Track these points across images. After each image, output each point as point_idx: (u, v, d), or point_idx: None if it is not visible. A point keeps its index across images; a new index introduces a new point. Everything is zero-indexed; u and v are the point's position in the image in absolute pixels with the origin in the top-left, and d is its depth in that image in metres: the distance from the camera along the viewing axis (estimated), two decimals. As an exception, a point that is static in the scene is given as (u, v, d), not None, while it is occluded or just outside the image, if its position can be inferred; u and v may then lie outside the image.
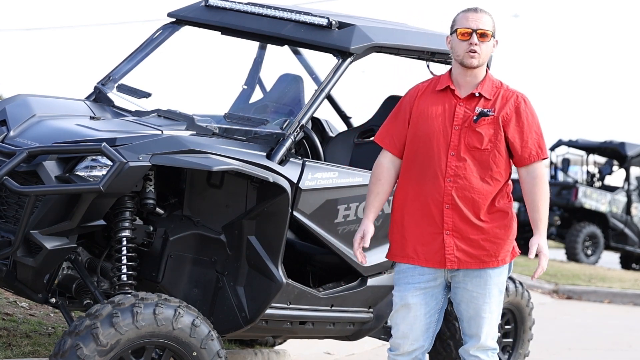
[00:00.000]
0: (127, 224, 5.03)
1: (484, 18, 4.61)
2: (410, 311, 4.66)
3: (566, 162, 20.52)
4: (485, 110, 4.60)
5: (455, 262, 4.59)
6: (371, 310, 5.87)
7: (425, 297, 4.65)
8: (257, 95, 6.56)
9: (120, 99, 5.92)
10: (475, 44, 4.56)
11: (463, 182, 4.57)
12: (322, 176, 5.43)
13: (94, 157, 4.83)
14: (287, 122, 5.40)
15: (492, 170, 4.60)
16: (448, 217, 4.57)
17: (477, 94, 4.63)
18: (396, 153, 4.71)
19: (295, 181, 5.31)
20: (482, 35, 4.58)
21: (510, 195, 4.72)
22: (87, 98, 5.93)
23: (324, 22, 5.60)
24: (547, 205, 4.65)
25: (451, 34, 4.66)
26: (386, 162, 4.72)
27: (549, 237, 18.77)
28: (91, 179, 4.78)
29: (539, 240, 4.62)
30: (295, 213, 5.36)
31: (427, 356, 4.90)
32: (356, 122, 7.03)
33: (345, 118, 7.18)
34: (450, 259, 4.59)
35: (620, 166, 19.89)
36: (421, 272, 4.65)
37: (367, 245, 4.70)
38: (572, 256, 18.43)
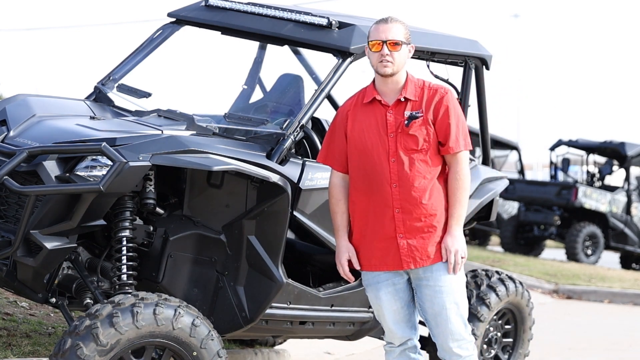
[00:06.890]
0: (127, 224, 5.03)
1: (394, 28, 4.75)
2: (388, 307, 4.87)
3: (566, 162, 20.50)
4: (414, 113, 4.76)
5: (411, 262, 4.75)
6: (371, 310, 5.87)
7: (397, 292, 4.85)
8: (257, 95, 6.56)
9: (120, 99, 5.92)
10: (387, 54, 4.72)
11: (407, 184, 4.72)
12: (322, 176, 5.43)
13: (94, 157, 4.83)
14: (287, 122, 5.41)
15: (431, 167, 4.75)
16: (399, 220, 4.73)
17: (402, 99, 4.78)
18: (343, 170, 4.88)
19: (295, 181, 5.32)
20: (394, 45, 4.73)
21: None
22: (87, 98, 5.93)
23: (324, 22, 5.61)
24: (464, 198, 4.75)
25: (367, 45, 4.80)
26: (338, 181, 4.90)
27: (549, 237, 18.77)
28: (91, 179, 4.78)
29: (446, 239, 4.72)
30: (295, 213, 5.38)
31: (423, 354, 5.08)
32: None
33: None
34: (406, 260, 4.76)
35: (620, 166, 19.87)
36: (385, 272, 4.83)
37: (358, 267, 4.86)
38: (572, 256, 18.40)
